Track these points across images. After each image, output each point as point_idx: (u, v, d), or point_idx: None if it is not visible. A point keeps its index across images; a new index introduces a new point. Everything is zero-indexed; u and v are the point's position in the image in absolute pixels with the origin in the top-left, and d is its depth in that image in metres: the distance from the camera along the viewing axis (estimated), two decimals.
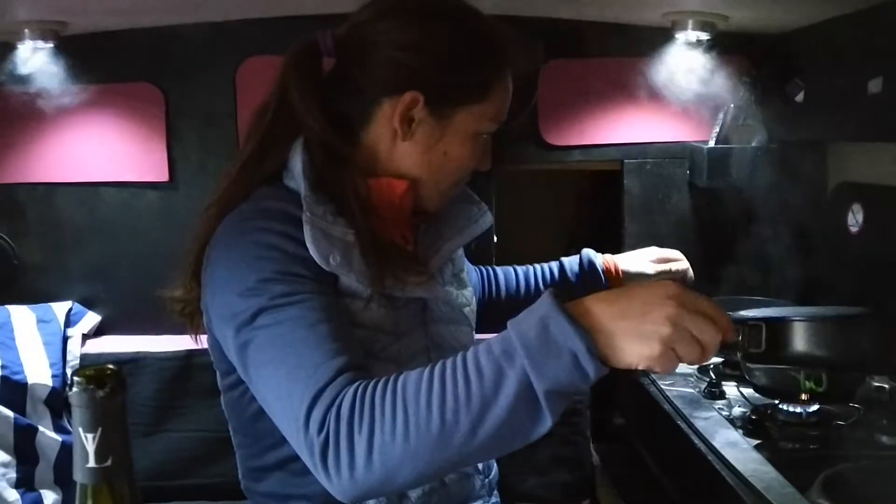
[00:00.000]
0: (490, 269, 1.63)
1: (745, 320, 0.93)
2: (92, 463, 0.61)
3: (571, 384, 0.84)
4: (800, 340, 0.93)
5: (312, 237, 1.02)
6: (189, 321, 1.19)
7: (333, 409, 0.89)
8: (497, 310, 1.60)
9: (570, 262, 1.65)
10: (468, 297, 1.30)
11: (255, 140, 1.13)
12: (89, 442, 0.60)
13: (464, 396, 0.85)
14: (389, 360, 1.09)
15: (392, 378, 0.90)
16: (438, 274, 1.22)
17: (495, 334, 0.89)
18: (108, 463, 0.61)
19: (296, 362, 0.94)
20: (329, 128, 1.10)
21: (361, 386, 0.90)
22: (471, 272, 1.54)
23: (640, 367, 0.85)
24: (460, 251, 1.35)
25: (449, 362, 0.88)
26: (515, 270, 1.65)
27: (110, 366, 0.62)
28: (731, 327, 0.88)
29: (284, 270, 1.00)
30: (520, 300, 1.62)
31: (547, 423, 0.85)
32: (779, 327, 0.93)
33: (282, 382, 0.94)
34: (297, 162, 1.09)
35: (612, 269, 1.66)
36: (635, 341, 0.84)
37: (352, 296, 1.06)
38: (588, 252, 1.67)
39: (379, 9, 1.13)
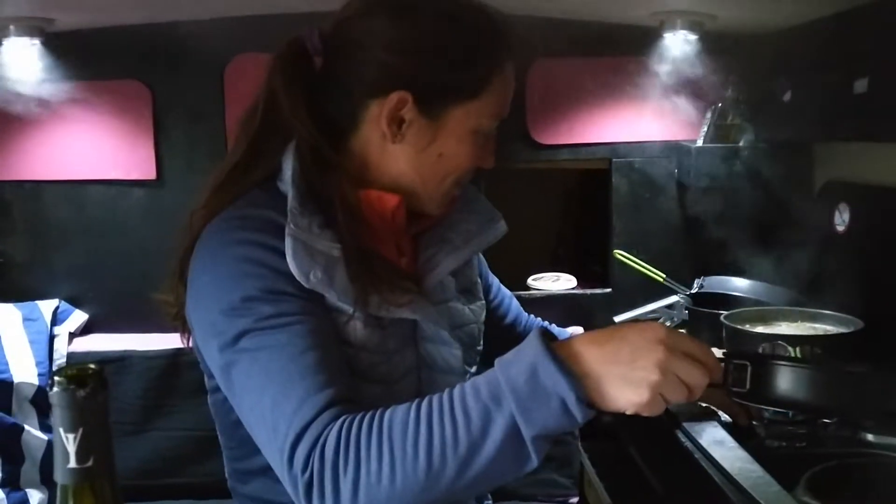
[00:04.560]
0: (529, 320, 1.50)
1: (731, 359, 0.93)
2: (73, 463, 0.60)
3: (559, 428, 0.84)
4: (784, 383, 0.92)
5: (293, 252, 0.97)
6: (181, 324, 1.16)
7: (318, 449, 0.87)
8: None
9: None
10: (477, 312, 1.23)
11: (243, 146, 1.08)
12: (70, 442, 0.59)
13: (451, 440, 0.84)
14: (377, 380, 1.05)
15: (378, 416, 0.88)
16: (439, 288, 1.15)
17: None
18: (90, 463, 0.60)
19: (280, 393, 0.91)
20: (318, 132, 1.05)
21: (346, 424, 0.88)
22: (504, 301, 1.43)
23: (627, 412, 0.85)
24: (474, 262, 1.28)
25: (436, 401, 0.87)
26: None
27: (92, 365, 0.61)
28: (718, 368, 0.88)
29: (270, 288, 0.96)
30: None
31: (533, 464, 0.85)
32: (764, 368, 0.92)
33: (266, 413, 0.92)
34: (288, 167, 1.04)
35: None
36: (625, 387, 0.83)
37: (337, 311, 1.02)
38: None
39: (364, 4, 1.08)
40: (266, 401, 0.92)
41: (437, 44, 1.05)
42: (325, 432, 0.88)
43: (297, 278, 0.97)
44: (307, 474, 0.87)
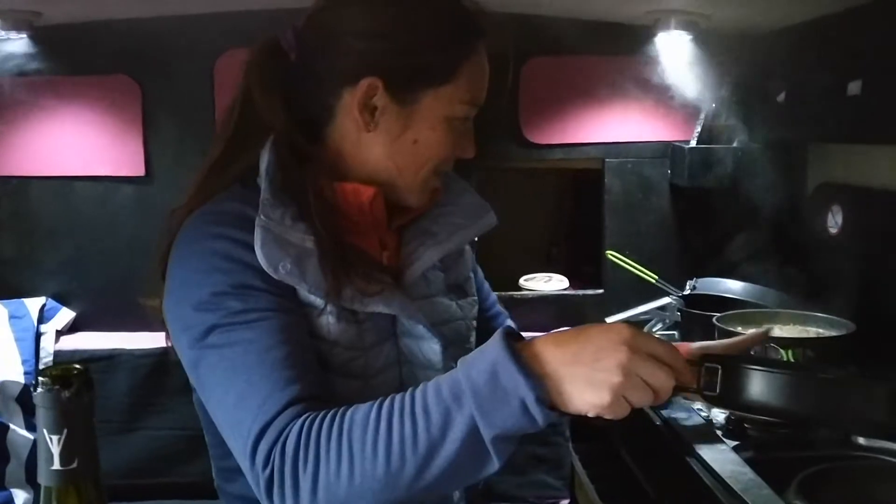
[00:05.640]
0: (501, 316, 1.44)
1: (701, 362, 0.91)
2: (57, 465, 0.59)
3: (519, 429, 0.83)
4: (755, 388, 0.90)
5: (262, 243, 0.96)
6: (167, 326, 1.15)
7: (278, 446, 0.87)
8: None
9: None
10: (466, 308, 1.21)
11: (222, 143, 1.08)
12: (54, 444, 0.59)
13: (410, 440, 0.84)
14: (354, 375, 1.04)
15: (339, 414, 0.88)
16: (423, 282, 1.14)
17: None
18: (74, 465, 0.59)
19: (245, 389, 0.91)
20: (294, 127, 1.05)
21: (308, 421, 0.88)
22: (489, 298, 1.39)
23: (589, 415, 0.84)
24: (467, 257, 1.25)
25: (398, 400, 0.87)
26: None
27: (77, 365, 0.60)
28: (686, 370, 0.87)
29: (240, 283, 0.96)
30: None
31: (494, 466, 0.84)
32: (736, 372, 0.90)
33: (231, 409, 0.92)
34: (263, 162, 1.04)
35: None
36: (585, 389, 0.82)
37: (309, 306, 1.01)
38: None
39: None
40: (231, 397, 0.92)
41: (405, 28, 1.04)
42: (287, 429, 0.88)
43: (266, 269, 0.96)
44: (268, 470, 0.87)
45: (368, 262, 1.07)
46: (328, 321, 1.02)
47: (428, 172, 1.10)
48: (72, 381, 0.59)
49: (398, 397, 0.87)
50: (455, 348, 1.17)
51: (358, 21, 1.05)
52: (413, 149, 1.07)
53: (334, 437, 0.86)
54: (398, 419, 0.85)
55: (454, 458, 0.83)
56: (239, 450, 0.91)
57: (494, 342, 0.84)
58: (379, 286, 1.04)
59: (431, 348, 1.10)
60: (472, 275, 1.27)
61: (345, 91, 1.05)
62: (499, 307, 1.42)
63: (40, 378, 0.58)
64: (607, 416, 0.83)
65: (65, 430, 0.59)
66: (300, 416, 0.89)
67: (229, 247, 0.98)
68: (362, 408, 0.88)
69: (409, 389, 0.88)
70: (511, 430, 0.83)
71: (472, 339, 1.22)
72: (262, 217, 0.98)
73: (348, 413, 0.88)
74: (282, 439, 0.88)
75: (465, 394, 0.83)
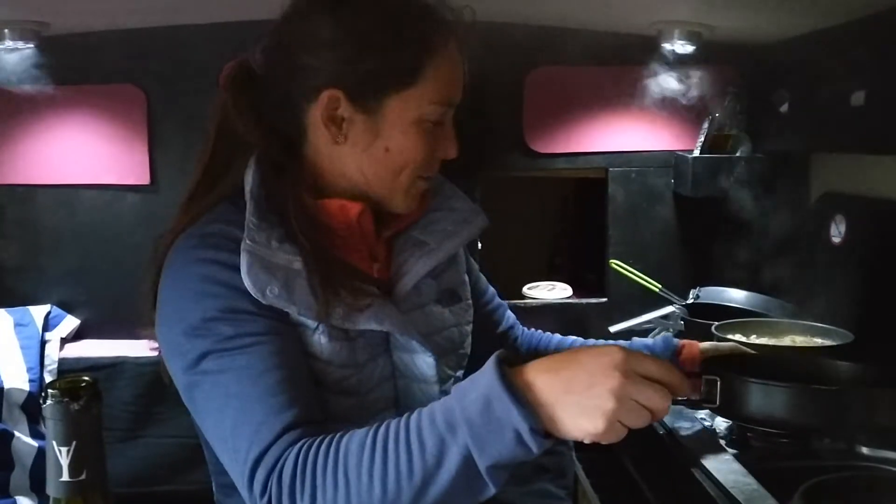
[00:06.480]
0: (529, 336, 1.45)
1: (704, 372, 0.91)
2: (66, 477, 0.60)
3: (514, 459, 0.83)
4: (755, 400, 0.91)
5: (248, 268, 0.95)
6: None
7: (275, 474, 0.88)
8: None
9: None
10: (459, 314, 1.19)
11: (203, 164, 1.08)
12: (63, 456, 0.59)
13: (405, 469, 0.84)
14: (349, 392, 1.03)
15: (335, 441, 0.88)
16: (415, 293, 1.13)
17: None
18: (83, 477, 0.60)
19: (240, 416, 0.91)
20: (273, 144, 1.04)
21: (304, 448, 0.88)
22: (498, 310, 1.39)
23: (585, 441, 0.83)
24: (460, 261, 1.24)
25: (392, 428, 0.87)
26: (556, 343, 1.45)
27: (85, 377, 0.61)
28: (682, 384, 0.86)
29: (230, 308, 0.95)
30: None
31: (491, 492, 0.84)
32: (734, 384, 0.91)
33: (227, 436, 0.92)
34: (247, 182, 1.04)
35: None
36: (579, 416, 0.82)
37: (302, 326, 1.01)
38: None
39: (290, 7, 1.05)
40: (227, 423, 0.92)
41: (358, 35, 1.02)
42: (284, 456, 0.88)
43: (253, 295, 0.95)
44: (266, 498, 0.88)
45: (358, 278, 1.06)
46: (320, 340, 1.01)
47: (408, 178, 1.08)
48: (80, 393, 0.59)
49: (393, 424, 0.87)
50: (448, 356, 1.17)
51: (310, 34, 1.03)
52: (386, 157, 1.05)
53: (330, 465, 0.86)
54: (393, 448, 0.85)
55: (449, 486, 0.84)
56: (236, 475, 0.91)
57: (488, 371, 0.84)
58: (368, 299, 1.03)
59: (425, 361, 1.09)
60: (466, 277, 1.25)
61: (310, 106, 1.04)
62: (498, 300, 1.40)
63: (49, 390, 0.59)
64: (604, 442, 0.83)
65: (74, 443, 0.59)
66: (296, 442, 0.89)
67: (218, 271, 0.97)
68: (358, 434, 0.88)
69: (405, 415, 0.88)
70: (506, 459, 0.83)
71: (467, 343, 1.21)
72: (247, 241, 0.97)
73: (344, 440, 0.88)
74: (278, 467, 0.88)
75: (459, 423, 0.83)
